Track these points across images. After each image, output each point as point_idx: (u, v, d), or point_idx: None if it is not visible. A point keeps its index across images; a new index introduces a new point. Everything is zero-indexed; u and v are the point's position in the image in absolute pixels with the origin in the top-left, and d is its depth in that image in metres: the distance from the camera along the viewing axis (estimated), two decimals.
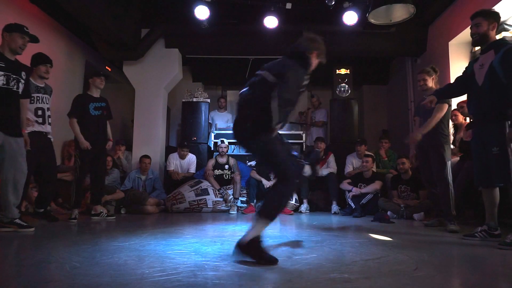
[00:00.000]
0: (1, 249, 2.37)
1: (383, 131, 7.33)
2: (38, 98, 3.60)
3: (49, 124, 3.70)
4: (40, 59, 3.63)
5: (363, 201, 4.81)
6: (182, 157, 5.70)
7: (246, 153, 6.60)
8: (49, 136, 3.72)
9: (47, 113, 3.67)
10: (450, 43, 5.06)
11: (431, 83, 3.59)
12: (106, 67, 6.89)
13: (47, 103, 3.68)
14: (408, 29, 5.70)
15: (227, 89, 8.73)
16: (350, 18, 5.24)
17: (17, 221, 2.94)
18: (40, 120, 3.59)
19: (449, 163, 3.41)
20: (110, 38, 5.47)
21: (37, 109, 3.57)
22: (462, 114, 4.36)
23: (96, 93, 4.16)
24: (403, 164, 4.65)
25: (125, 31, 5.47)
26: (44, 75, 3.64)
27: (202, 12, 5.17)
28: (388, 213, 4.47)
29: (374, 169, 5.18)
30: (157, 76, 6.13)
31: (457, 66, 5.01)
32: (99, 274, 1.59)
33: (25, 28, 2.97)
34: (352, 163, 5.49)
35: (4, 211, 2.92)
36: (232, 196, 5.20)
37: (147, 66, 6.11)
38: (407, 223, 4.03)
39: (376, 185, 4.82)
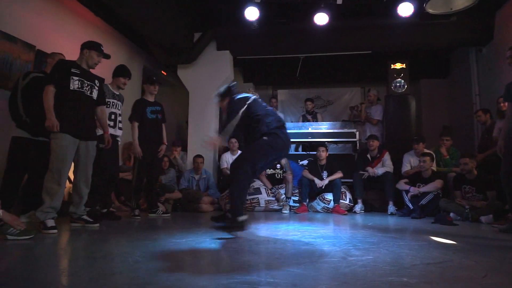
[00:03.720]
0: (74, 243, 2.60)
1: (444, 127, 6.87)
2: (113, 103, 3.90)
3: (120, 128, 3.99)
4: (122, 72, 3.97)
5: (423, 201, 4.54)
6: (233, 152, 5.80)
7: (298, 152, 6.57)
8: (117, 139, 4.00)
9: (119, 118, 3.97)
10: None
11: None
12: (162, 72, 7.24)
13: (119, 109, 3.99)
14: (471, 16, 5.29)
15: (277, 89, 8.76)
16: (405, 9, 4.97)
17: (84, 217, 3.20)
18: (111, 123, 3.86)
19: None
20: (164, 44, 5.73)
21: (111, 113, 3.86)
22: None
23: (151, 98, 4.37)
24: (465, 165, 4.32)
25: (178, 36, 5.71)
26: (122, 86, 3.98)
27: (252, 13, 5.22)
28: (451, 214, 4.17)
29: (434, 168, 4.87)
30: (209, 78, 6.30)
31: None
32: (158, 269, 1.67)
33: (101, 47, 3.28)
34: (410, 162, 5.22)
35: (76, 208, 3.19)
36: (284, 195, 5.19)
37: (200, 69, 6.31)
38: (473, 226, 3.73)
39: (436, 184, 4.52)
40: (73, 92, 3.05)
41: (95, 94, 3.25)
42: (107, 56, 3.36)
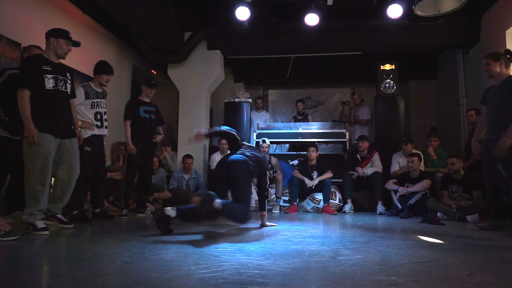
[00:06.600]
0: (61, 243, 2.56)
1: (432, 128, 6.98)
2: (98, 103, 3.79)
3: (106, 127, 3.89)
4: (104, 69, 3.83)
5: (411, 201, 4.60)
6: (222, 151, 5.77)
7: (288, 152, 6.59)
8: (104, 139, 3.94)
9: (104, 116, 3.86)
10: (507, 32, 4.70)
11: (498, 68, 3.22)
12: (152, 71, 7.17)
13: (103, 107, 3.87)
14: (458, 19, 5.38)
15: (268, 89, 8.77)
16: (394, 11, 5.03)
17: (59, 216, 3.08)
18: (99, 123, 3.79)
19: None
20: (155, 43, 5.69)
21: (96, 113, 3.78)
22: None
23: (146, 99, 4.36)
24: (452, 165, 4.39)
25: (168, 34, 5.67)
26: (104, 83, 3.86)
27: (242, 13, 5.22)
28: (438, 214, 4.24)
29: (422, 168, 4.94)
30: (200, 77, 6.28)
31: None
32: (148, 269, 1.66)
33: (69, 34, 3.06)
34: (399, 162, 5.28)
35: (52, 205, 3.04)
36: (274, 195, 5.20)
37: (190, 68, 6.28)
38: (460, 225, 3.80)
39: (424, 183, 4.59)
40: (49, 91, 2.90)
41: (69, 89, 3.11)
42: (76, 44, 3.13)
